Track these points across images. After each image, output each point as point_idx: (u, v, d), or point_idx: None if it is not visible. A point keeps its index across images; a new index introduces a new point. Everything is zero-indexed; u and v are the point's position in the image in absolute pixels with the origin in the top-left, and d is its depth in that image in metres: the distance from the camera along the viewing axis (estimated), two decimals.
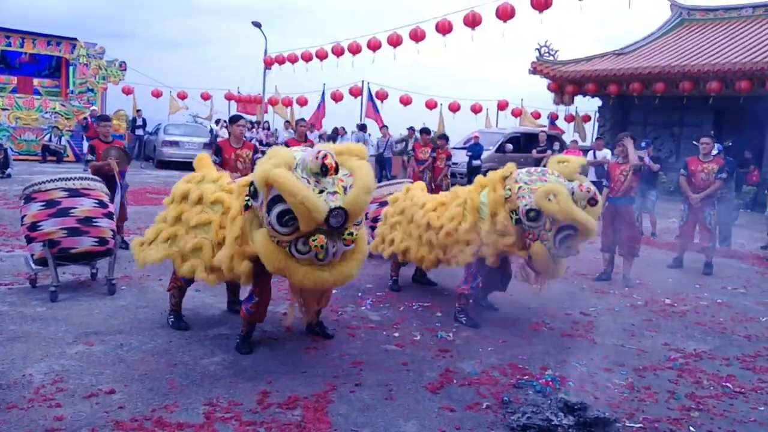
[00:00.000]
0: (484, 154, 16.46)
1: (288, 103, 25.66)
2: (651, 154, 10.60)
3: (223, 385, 3.72)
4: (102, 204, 5.57)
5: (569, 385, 3.97)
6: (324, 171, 3.36)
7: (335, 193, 3.42)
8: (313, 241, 3.38)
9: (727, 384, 4.17)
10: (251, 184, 3.58)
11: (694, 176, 7.96)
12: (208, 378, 3.81)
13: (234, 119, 7.00)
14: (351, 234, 3.53)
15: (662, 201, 11.93)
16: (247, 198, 3.72)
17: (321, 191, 3.39)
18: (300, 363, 4.13)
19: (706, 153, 7.95)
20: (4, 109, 19.02)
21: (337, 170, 3.42)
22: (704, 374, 4.33)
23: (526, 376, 4.08)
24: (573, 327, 5.27)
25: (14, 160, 15.59)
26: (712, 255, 8.00)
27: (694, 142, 12.95)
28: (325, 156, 3.33)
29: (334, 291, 5.87)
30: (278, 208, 3.38)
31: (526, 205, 4.59)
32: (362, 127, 19.18)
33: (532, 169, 5.06)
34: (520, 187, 4.72)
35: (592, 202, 4.53)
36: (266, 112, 26.97)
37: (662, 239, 10.38)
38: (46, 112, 19.66)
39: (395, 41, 15.20)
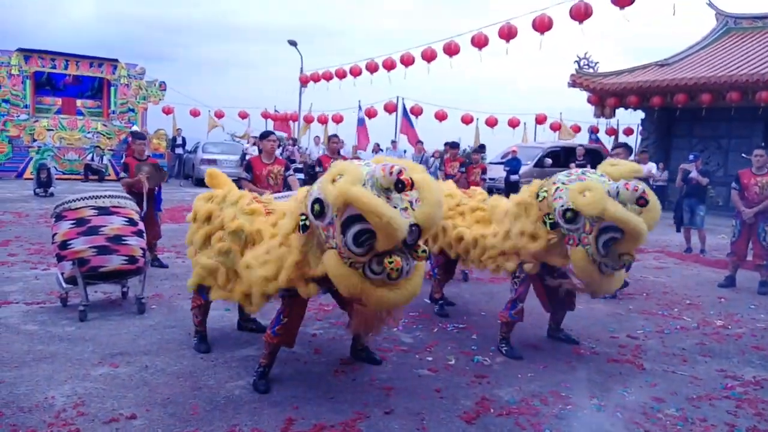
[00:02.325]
0: (523, 169, 16.14)
1: (324, 121, 25.75)
2: (699, 168, 10.19)
3: (247, 410, 3.55)
4: (132, 222, 5.52)
5: (617, 416, 3.69)
6: (400, 187, 3.05)
7: (405, 209, 3.17)
8: (390, 263, 3.09)
9: None
10: (316, 202, 3.27)
11: (747, 190, 7.57)
12: (232, 403, 3.65)
13: (264, 135, 6.91)
14: (425, 252, 3.28)
15: (711, 216, 11.46)
16: (303, 218, 3.40)
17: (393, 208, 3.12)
18: (328, 388, 3.93)
19: (759, 166, 7.55)
20: (48, 130, 19.56)
21: (412, 186, 3.13)
22: (767, 405, 3.99)
23: (570, 406, 3.80)
24: (619, 351, 4.95)
25: (57, 179, 15.94)
26: (767, 273, 7.56)
27: (744, 155, 12.44)
28: (400, 171, 3.04)
29: None
30: (355, 228, 3.10)
31: (562, 206, 4.14)
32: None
33: (573, 170, 4.61)
34: (557, 188, 4.28)
35: (641, 201, 3.91)
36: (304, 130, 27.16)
37: (712, 256, 9.92)
38: (89, 132, 20.14)
39: (429, 56, 15.04)
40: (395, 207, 3.11)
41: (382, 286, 3.22)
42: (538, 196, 4.40)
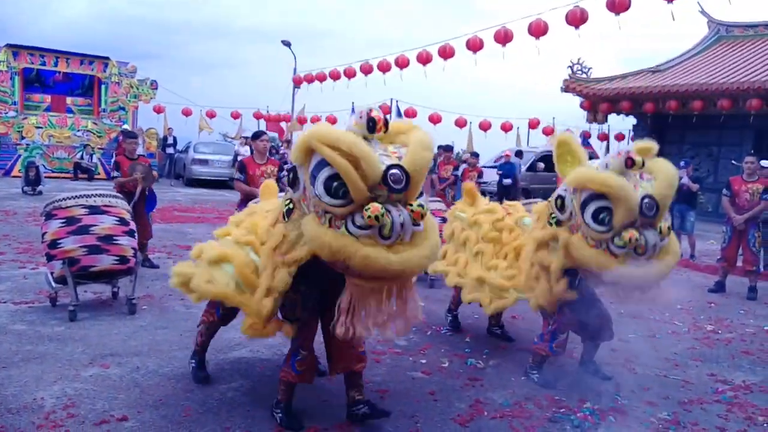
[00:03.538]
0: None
1: (316, 122, 25.69)
2: (690, 174, 10.27)
3: (240, 413, 3.53)
4: (123, 221, 5.46)
5: (609, 419, 3.69)
6: (371, 126, 2.74)
7: (388, 157, 2.76)
8: (367, 210, 2.59)
9: None
10: (290, 171, 2.97)
11: (737, 196, 7.63)
12: (225, 405, 3.62)
13: (257, 135, 6.89)
14: (421, 206, 2.72)
15: (700, 222, 11.53)
16: (288, 202, 3.05)
17: None
18: (321, 391, 3.91)
19: (750, 172, 7.62)
20: (37, 128, 19.39)
21: (386, 125, 2.82)
22: (757, 409, 4.01)
23: (563, 409, 3.81)
24: (612, 355, 4.96)
25: (46, 177, 15.80)
26: (756, 279, 7.63)
27: (733, 162, 12.56)
28: (369, 110, 2.77)
29: None
30: (324, 174, 2.68)
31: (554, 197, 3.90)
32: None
33: None
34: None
35: (628, 162, 3.53)
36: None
37: (702, 262, 9.97)
38: (79, 130, 19.99)
39: (424, 59, 15.06)
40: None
41: (373, 245, 2.66)
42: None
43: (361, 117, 2.76)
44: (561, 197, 3.85)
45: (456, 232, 5.06)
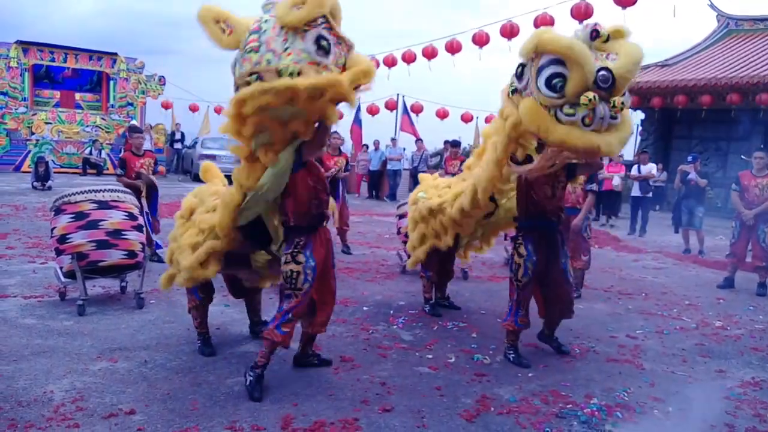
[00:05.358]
0: None
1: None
2: (698, 169, 10.21)
3: (246, 407, 3.54)
4: (131, 216, 5.50)
5: (617, 415, 3.69)
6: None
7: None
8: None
9: None
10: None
11: (747, 191, 7.57)
12: (232, 399, 3.64)
13: None
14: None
15: (709, 217, 11.47)
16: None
17: None
18: (327, 385, 3.92)
19: (760, 167, 7.56)
20: (47, 123, 19.49)
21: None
22: (765, 406, 3.98)
23: (570, 405, 3.80)
24: (619, 351, 4.95)
25: (55, 172, 15.89)
26: (766, 275, 7.57)
27: (743, 157, 12.46)
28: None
29: (365, 308, 5.73)
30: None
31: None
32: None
33: None
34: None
35: (593, 34, 3.64)
36: None
37: (710, 257, 9.92)
38: (87, 126, 20.07)
39: (430, 53, 14.99)
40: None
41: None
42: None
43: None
44: (522, 65, 3.83)
45: (424, 214, 5.35)
